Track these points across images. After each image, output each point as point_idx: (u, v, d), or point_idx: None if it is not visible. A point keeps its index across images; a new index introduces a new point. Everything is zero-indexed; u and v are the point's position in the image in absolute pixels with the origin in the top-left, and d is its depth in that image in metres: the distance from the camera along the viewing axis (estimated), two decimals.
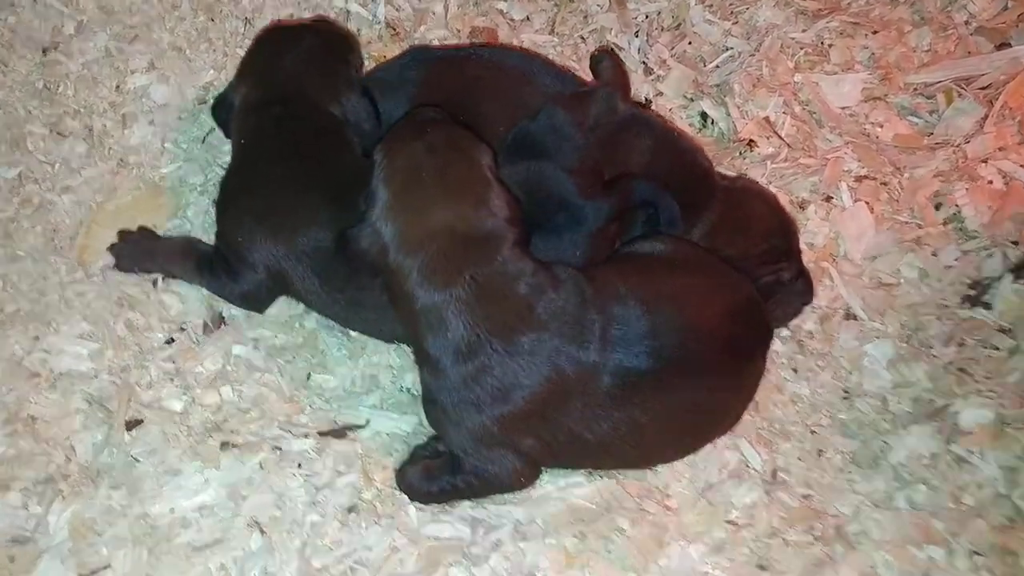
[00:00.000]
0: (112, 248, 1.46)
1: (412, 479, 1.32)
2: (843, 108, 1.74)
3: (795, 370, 1.53)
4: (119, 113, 1.64)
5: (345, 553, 1.25)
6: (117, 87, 1.66)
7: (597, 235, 1.41)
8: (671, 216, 1.45)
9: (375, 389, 1.43)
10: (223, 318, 1.48)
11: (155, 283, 1.49)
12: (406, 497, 1.32)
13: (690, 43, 1.81)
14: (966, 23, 1.76)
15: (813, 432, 1.46)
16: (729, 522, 1.34)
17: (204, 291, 1.48)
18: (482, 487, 1.30)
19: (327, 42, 1.50)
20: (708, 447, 1.38)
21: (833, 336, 1.56)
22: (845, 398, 1.50)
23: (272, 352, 1.45)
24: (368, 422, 1.39)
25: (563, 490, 1.33)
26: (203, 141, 1.63)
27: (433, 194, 1.18)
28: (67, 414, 1.35)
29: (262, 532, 1.26)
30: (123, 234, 1.47)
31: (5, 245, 1.48)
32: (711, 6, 1.83)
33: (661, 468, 1.37)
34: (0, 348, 1.39)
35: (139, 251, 1.47)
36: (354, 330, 1.45)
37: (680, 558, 1.29)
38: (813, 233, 1.63)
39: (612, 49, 1.74)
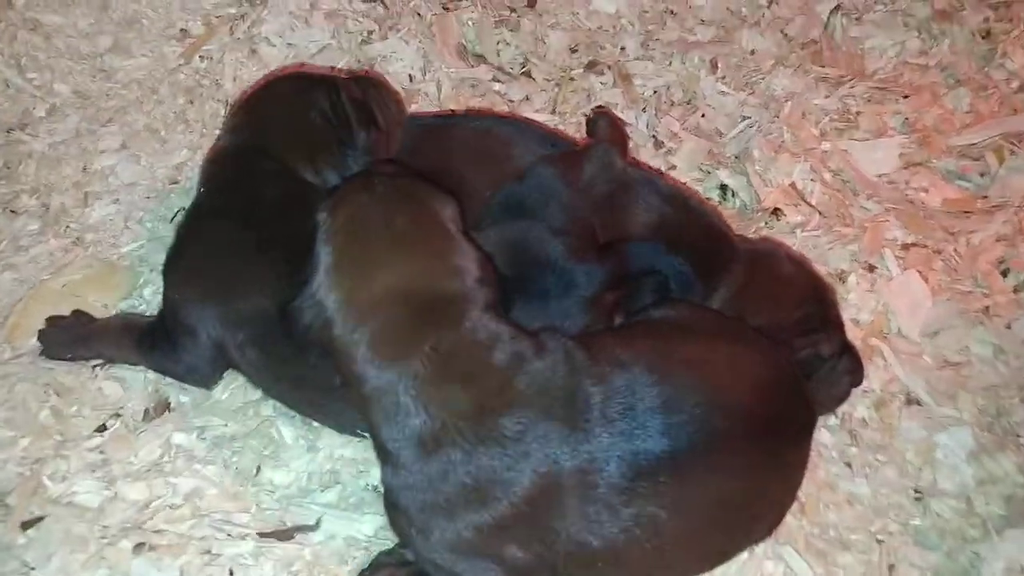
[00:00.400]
0: (40, 334, 1.31)
1: None
2: (880, 176, 1.58)
3: (848, 464, 1.27)
4: (81, 191, 1.54)
5: None
6: (84, 168, 1.58)
7: (591, 304, 1.22)
8: (683, 280, 1.26)
9: (334, 485, 1.21)
10: (169, 405, 1.29)
11: (93, 368, 1.31)
12: None
13: (703, 116, 1.69)
14: (1007, 81, 1.62)
15: (880, 541, 1.17)
16: None
17: (150, 375, 1.30)
18: None
19: (334, 101, 1.34)
20: (743, 556, 1.11)
21: (893, 425, 1.30)
22: (918, 499, 1.23)
23: (218, 442, 1.25)
24: (320, 522, 1.15)
25: None
26: (171, 221, 1.51)
27: (381, 252, 1.00)
28: None
29: None
30: (52, 319, 1.32)
31: None
32: (723, 77, 1.73)
33: None
34: None
35: (71, 336, 1.30)
36: (304, 415, 1.24)
37: None
38: (857, 307, 1.42)
39: (608, 109, 1.62)
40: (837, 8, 1.78)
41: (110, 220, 1.51)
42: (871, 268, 1.45)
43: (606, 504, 0.97)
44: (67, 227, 1.49)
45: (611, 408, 0.99)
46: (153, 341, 1.24)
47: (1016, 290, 1.39)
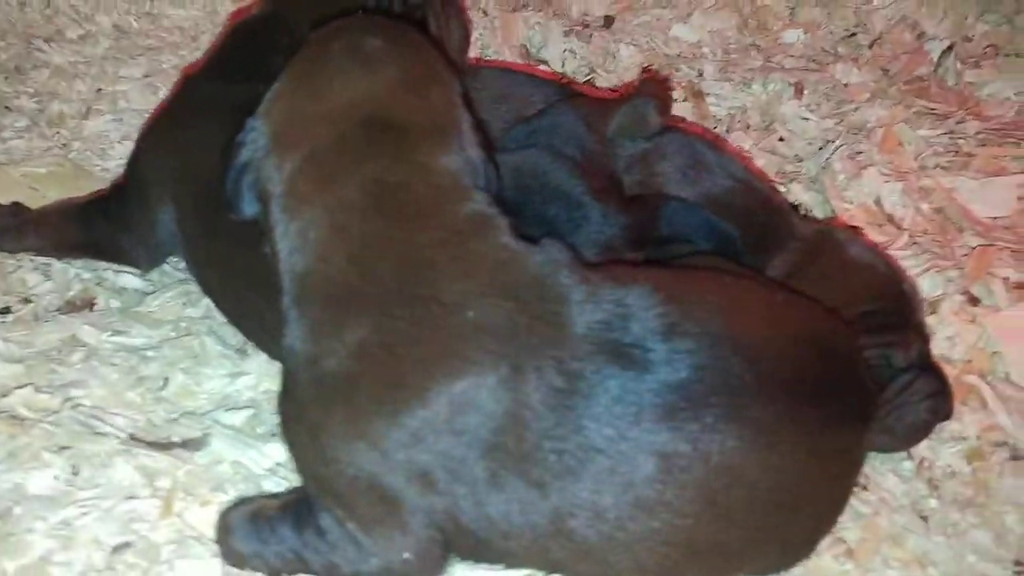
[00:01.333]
0: None
1: (233, 524, 0.80)
2: (993, 218, 1.35)
3: (924, 518, 0.96)
4: (85, 106, 1.47)
5: None
6: (98, 89, 1.53)
7: (602, 251, 1.01)
8: (728, 247, 1.05)
9: (244, 409, 0.98)
10: (93, 304, 1.13)
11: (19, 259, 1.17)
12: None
13: (780, 139, 1.52)
14: None
15: None
16: None
17: (84, 272, 1.15)
18: (341, 562, 0.76)
19: None
20: None
21: (990, 482, 1.00)
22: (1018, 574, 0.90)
23: (131, 348, 1.06)
24: (208, 440, 0.92)
25: None
26: None
27: (341, 69, 0.82)
28: None
29: None
30: None
31: None
32: (808, 104, 1.57)
33: None
34: None
35: (2, 224, 1.17)
36: (237, 326, 1.05)
37: None
38: (951, 342, 1.15)
39: (657, 72, 1.47)
40: (950, 48, 1.63)
41: (104, 134, 1.43)
42: (973, 300, 1.18)
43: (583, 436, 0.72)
44: (57, 132, 1.42)
45: (601, 309, 0.76)
46: (99, 207, 1.11)
47: None
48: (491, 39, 1.70)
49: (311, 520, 0.77)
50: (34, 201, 1.24)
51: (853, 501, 0.95)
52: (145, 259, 1.13)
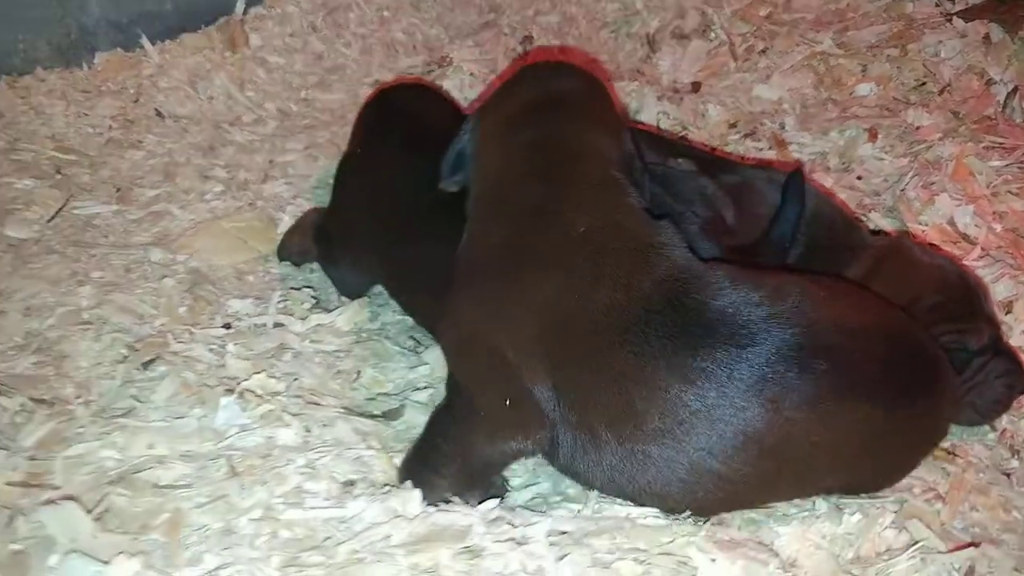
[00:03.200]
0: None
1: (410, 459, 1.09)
2: None
3: (1007, 475, 1.15)
4: (263, 172, 1.82)
5: (324, 517, 0.99)
6: (270, 161, 1.87)
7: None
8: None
9: (427, 388, 1.26)
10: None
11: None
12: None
13: (859, 177, 1.75)
14: None
15: None
16: None
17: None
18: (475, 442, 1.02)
19: None
20: (857, 518, 1.02)
21: None
22: None
23: (327, 349, 1.36)
24: (403, 410, 1.19)
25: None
26: None
27: (537, 81, 1.19)
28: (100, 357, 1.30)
29: (234, 474, 1.04)
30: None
31: (120, 235, 1.59)
32: (883, 147, 1.80)
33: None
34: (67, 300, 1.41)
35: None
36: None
37: None
38: None
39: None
40: (1015, 91, 1.84)
41: (279, 195, 1.76)
42: None
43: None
44: (245, 193, 1.76)
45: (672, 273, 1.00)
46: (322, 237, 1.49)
47: None
48: None
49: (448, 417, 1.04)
50: (240, 249, 1.58)
51: (944, 465, 1.15)
52: (352, 290, 1.47)
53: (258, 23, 2.18)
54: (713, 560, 0.93)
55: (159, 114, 1.95)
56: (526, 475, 1.15)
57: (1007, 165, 1.68)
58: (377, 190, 1.40)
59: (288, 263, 1.59)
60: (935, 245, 1.51)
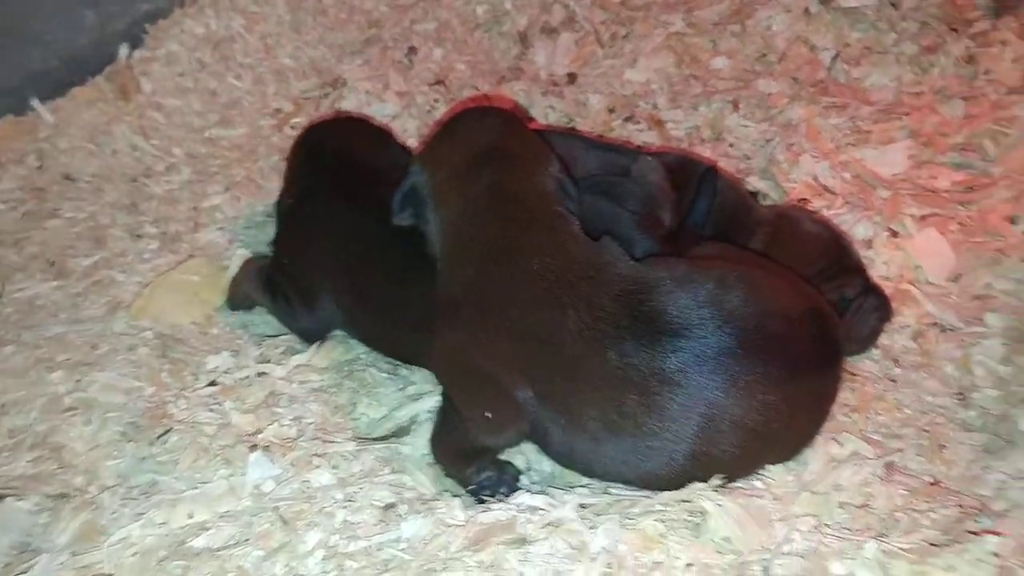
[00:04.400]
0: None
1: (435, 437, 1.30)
2: (894, 175, 1.87)
3: (894, 380, 1.46)
4: (192, 221, 1.88)
5: (381, 542, 1.15)
6: (194, 207, 1.93)
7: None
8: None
9: (423, 400, 1.42)
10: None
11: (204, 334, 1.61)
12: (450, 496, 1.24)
13: (731, 145, 2.02)
14: (993, 89, 1.96)
15: (926, 431, 1.34)
16: (843, 504, 1.19)
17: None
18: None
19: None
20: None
21: (931, 350, 1.50)
22: (960, 399, 1.41)
23: (317, 388, 1.49)
24: (409, 426, 1.36)
25: None
26: (268, 245, 1.83)
27: (472, 126, 1.38)
28: (97, 440, 1.37)
29: (284, 523, 1.18)
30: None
31: (69, 311, 1.63)
32: (745, 115, 2.08)
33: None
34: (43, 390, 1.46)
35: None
36: (398, 358, 1.52)
37: (787, 537, 1.13)
38: (886, 265, 1.65)
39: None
40: (837, 56, 2.17)
41: (215, 241, 1.84)
42: (894, 233, 1.69)
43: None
44: (181, 245, 1.82)
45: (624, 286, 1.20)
46: (272, 288, 1.57)
47: None
48: None
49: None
50: (194, 303, 1.66)
51: (848, 384, 1.44)
52: (311, 337, 1.56)
53: (145, 67, 2.19)
54: (720, 504, 1.15)
55: (68, 178, 1.96)
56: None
57: (843, 121, 1.99)
58: (327, 236, 1.50)
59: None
60: (806, 199, 1.81)
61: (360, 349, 1.57)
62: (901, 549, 1.06)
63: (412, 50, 2.30)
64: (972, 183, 1.77)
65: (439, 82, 2.22)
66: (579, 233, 1.28)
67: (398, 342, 1.47)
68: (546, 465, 1.33)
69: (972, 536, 1.07)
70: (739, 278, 1.22)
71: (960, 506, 1.16)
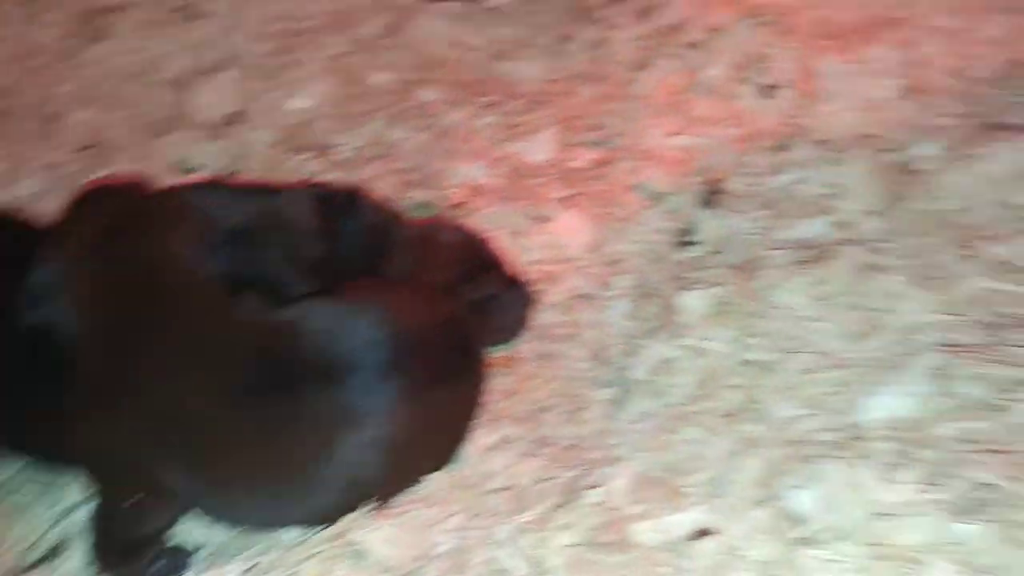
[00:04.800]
0: None
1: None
2: (545, 160, 2.00)
3: (549, 356, 1.58)
4: None
5: None
6: None
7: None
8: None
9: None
10: None
11: None
12: None
13: (396, 161, 2.07)
14: (622, 73, 2.16)
15: (575, 396, 1.46)
16: (494, 491, 1.27)
17: None
18: None
19: None
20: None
21: (578, 320, 1.64)
22: (595, 360, 1.54)
23: None
24: (65, 540, 1.32)
25: None
26: None
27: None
28: None
29: None
30: None
31: None
32: (407, 128, 2.13)
33: None
34: None
35: None
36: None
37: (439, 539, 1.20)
38: (540, 249, 1.78)
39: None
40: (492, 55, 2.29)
41: None
42: (544, 219, 1.82)
43: None
44: None
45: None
46: None
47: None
48: (150, 165, 2.09)
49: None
50: None
51: (504, 370, 1.52)
52: None
53: None
54: (375, 530, 1.19)
55: None
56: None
57: (497, 118, 2.11)
58: None
59: None
60: (465, 202, 1.91)
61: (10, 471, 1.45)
62: (527, 522, 1.15)
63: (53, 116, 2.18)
64: (604, 159, 1.94)
65: (89, 147, 2.12)
66: (217, 294, 1.28)
67: (42, 440, 1.39)
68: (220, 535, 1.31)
69: (589, 490, 1.18)
70: (374, 303, 1.29)
71: (586, 462, 1.26)
